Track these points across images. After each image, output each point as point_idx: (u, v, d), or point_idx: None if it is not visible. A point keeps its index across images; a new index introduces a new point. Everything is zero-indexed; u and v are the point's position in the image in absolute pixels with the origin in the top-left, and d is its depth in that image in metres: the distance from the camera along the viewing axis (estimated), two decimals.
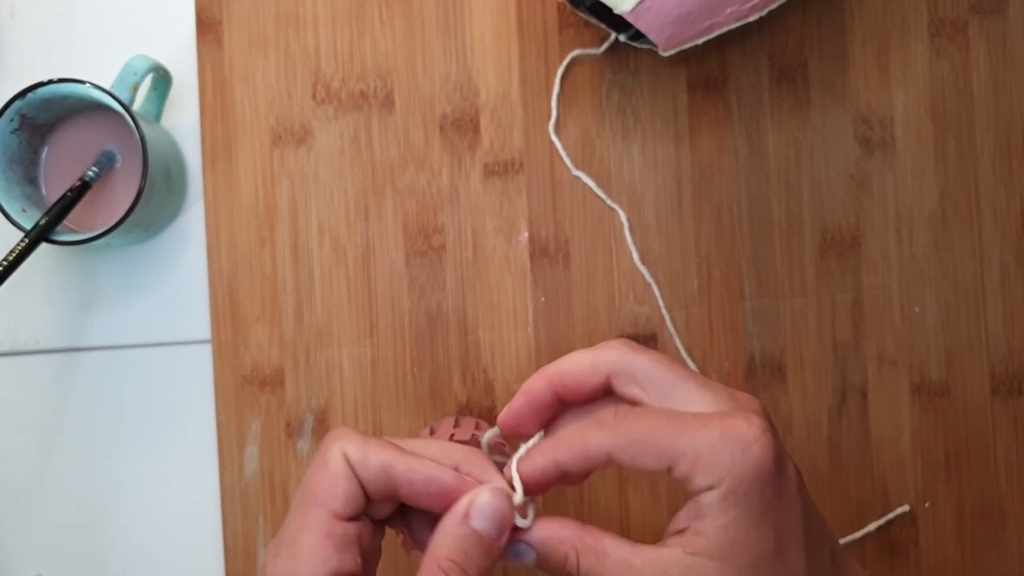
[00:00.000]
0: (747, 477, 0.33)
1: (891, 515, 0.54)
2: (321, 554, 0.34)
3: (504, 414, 0.38)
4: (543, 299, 0.56)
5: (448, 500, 0.36)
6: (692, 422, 0.34)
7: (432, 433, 0.52)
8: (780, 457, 0.34)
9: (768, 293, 0.55)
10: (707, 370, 0.55)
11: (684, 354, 0.55)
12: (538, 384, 0.37)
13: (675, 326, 0.55)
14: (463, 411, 0.55)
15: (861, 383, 0.55)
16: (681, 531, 0.34)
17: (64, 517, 0.57)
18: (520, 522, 0.35)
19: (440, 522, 0.35)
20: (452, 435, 0.50)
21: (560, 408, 0.38)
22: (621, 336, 0.55)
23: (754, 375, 0.55)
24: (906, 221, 0.55)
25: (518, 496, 0.36)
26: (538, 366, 0.54)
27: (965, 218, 0.55)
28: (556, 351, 0.55)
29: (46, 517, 0.57)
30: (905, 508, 0.54)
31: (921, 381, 0.55)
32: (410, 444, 0.37)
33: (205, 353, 0.57)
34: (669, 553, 0.34)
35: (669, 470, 0.34)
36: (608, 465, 0.35)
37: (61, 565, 0.57)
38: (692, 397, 0.35)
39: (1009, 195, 0.55)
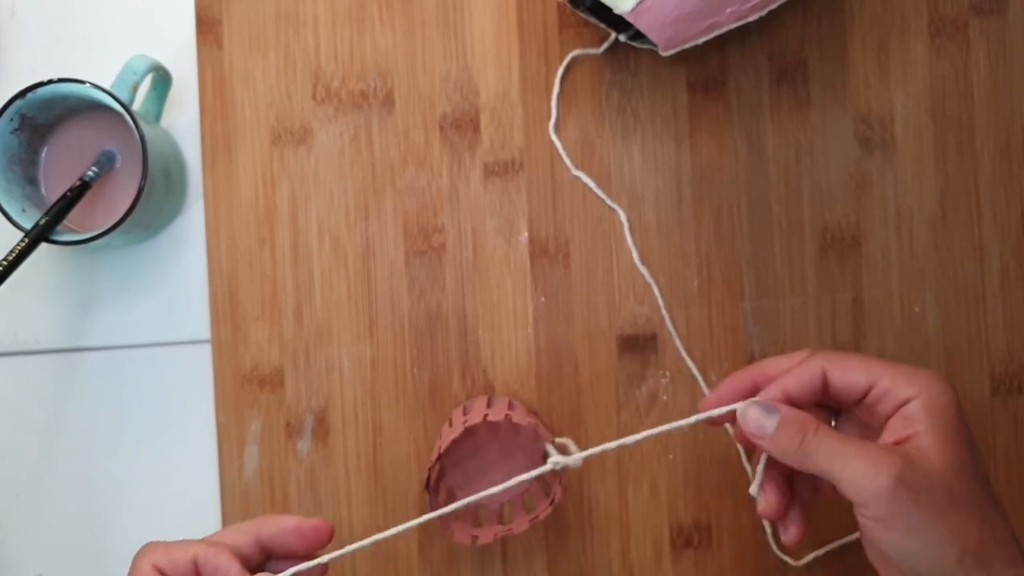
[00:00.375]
0: (942, 394, 0.40)
1: None
2: None
3: (709, 398, 0.44)
4: (543, 299, 0.56)
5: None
6: (886, 360, 0.42)
7: (465, 413, 0.52)
8: (958, 399, 0.40)
9: (768, 293, 0.55)
10: (707, 370, 0.55)
11: (684, 354, 0.55)
12: (742, 375, 0.44)
13: (675, 326, 0.55)
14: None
15: None
16: (898, 442, 0.40)
17: (64, 517, 0.57)
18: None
19: None
20: (485, 415, 0.50)
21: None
22: (621, 336, 0.55)
23: None
24: (906, 221, 0.55)
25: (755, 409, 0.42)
26: (538, 366, 0.55)
27: (965, 218, 0.55)
28: (556, 351, 0.55)
29: (46, 517, 0.57)
30: None
31: None
32: (218, 535, 0.42)
33: (205, 353, 0.57)
34: (896, 448, 0.39)
35: (871, 387, 0.41)
36: (820, 387, 0.42)
37: (61, 565, 0.57)
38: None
39: (1009, 195, 0.55)
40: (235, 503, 0.56)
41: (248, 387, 0.56)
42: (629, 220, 0.55)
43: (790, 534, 0.44)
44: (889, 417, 0.41)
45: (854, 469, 0.39)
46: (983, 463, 0.41)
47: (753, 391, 0.44)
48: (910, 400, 0.40)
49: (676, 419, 0.54)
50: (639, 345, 0.55)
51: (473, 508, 0.54)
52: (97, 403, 0.57)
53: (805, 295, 0.55)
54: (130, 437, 0.57)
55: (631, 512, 0.55)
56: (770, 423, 0.41)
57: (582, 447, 0.55)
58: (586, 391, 0.55)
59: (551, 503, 0.51)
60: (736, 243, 0.55)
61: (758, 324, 0.55)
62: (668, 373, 0.55)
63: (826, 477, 0.40)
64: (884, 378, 0.41)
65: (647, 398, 0.55)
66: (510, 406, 0.52)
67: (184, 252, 0.58)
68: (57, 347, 0.57)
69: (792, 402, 0.42)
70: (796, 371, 0.42)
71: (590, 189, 0.56)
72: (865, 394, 0.41)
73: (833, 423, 0.45)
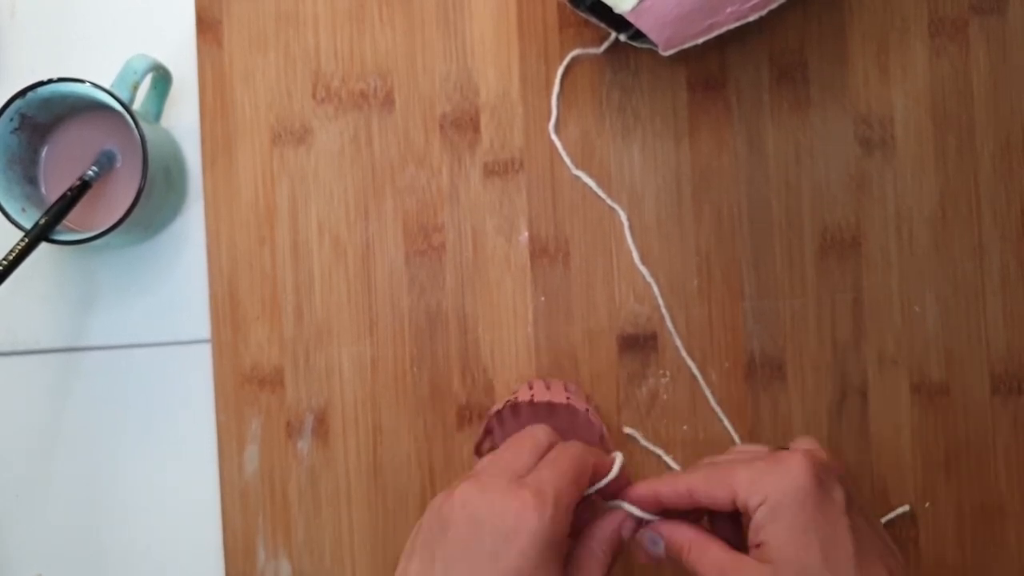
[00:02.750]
0: (787, 493, 0.41)
1: (892, 515, 0.54)
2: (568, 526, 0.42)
3: (638, 486, 0.46)
4: (543, 298, 0.56)
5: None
6: (751, 459, 0.44)
7: (531, 388, 0.53)
8: (822, 481, 0.41)
9: (768, 293, 0.55)
10: (707, 370, 0.55)
11: (684, 354, 0.55)
12: (644, 488, 0.46)
13: (675, 326, 0.55)
14: (463, 411, 0.55)
15: (861, 383, 0.55)
16: (756, 546, 0.42)
17: (64, 517, 0.57)
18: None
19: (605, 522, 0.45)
20: (531, 396, 0.52)
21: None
22: (621, 336, 0.55)
23: (754, 375, 0.55)
24: (906, 221, 0.55)
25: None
26: (538, 365, 0.55)
27: (965, 218, 0.55)
28: (556, 351, 0.55)
29: (46, 517, 0.57)
30: (905, 508, 0.54)
31: (921, 381, 0.55)
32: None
33: (205, 353, 0.57)
34: (747, 559, 0.42)
35: (734, 500, 0.42)
36: (691, 502, 0.44)
37: (61, 565, 0.57)
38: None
39: (1009, 195, 0.55)
40: (235, 503, 0.56)
41: (248, 387, 0.56)
42: (629, 219, 0.55)
43: None
44: (752, 520, 0.43)
45: None
46: (873, 556, 0.41)
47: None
48: (759, 507, 0.42)
49: (676, 418, 0.55)
50: (639, 344, 0.55)
51: None
52: (97, 403, 0.57)
53: (805, 295, 0.55)
54: (130, 437, 0.57)
55: None
56: (659, 548, 0.45)
57: None
58: (586, 390, 0.55)
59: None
60: (736, 243, 0.55)
61: (758, 324, 0.55)
62: (668, 372, 0.55)
63: None
64: (740, 490, 0.42)
65: (647, 397, 0.55)
66: (565, 387, 0.53)
67: (184, 252, 0.58)
68: (57, 347, 0.57)
69: (663, 504, 0.45)
70: (669, 481, 0.45)
71: (590, 189, 0.56)
72: (733, 505, 0.43)
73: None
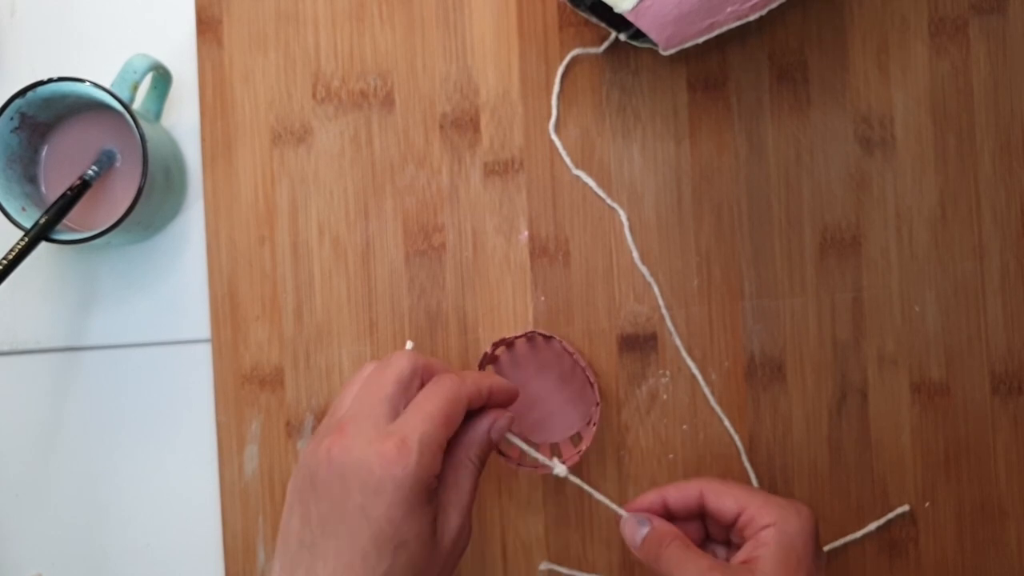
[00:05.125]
0: (795, 526, 0.45)
1: (891, 515, 0.54)
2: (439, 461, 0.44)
3: (632, 502, 0.49)
4: (543, 298, 0.56)
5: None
6: (759, 490, 0.48)
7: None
8: (816, 531, 0.45)
9: (768, 292, 0.55)
10: (707, 370, 0.55)
11: (684, 353, 0.55)
12: (651, 495, 0.49)
13: (675, 325, 0.55)
14: None
15: (861, 383, 0.55)
16: (745, 561, 0.45)
17: (64, 517, 0.57)
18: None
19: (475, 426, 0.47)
20: (530, 334, 0.54)
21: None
22: (621, 336, 0.55)
23: (754, 375, 0.55)
24: (906, 221, 0.55)
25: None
26: None
27: (965, 218, 0.55)
28: None
29: (46, 517, 0.57)
30: (905, 508, 0.54)
31: (921, 381, 0.55)
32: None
33: (205, 352, 0.57)
34: (736, 568, 0.44)
35: (740, 513, 0.46)
36: (699, 506, 0.47)
37: (61, 565, 0.57)
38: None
39: (1009, 195, 0.55)
40: (235, 503, 0.56)
41: (248, 387, 0.56)
42: (629, 219, 0.55)
43: None
44: (748, 540, 0.46)
45: None
46: None
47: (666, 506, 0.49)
48: (768, 527, 0.45)
49: (676, 418, 0.55)
50: (639, 344, 0.55)
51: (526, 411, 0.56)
52: (97, 403, 0.57)
53: (805, 295, 0.55)
54: (130, 437, 0.57)
55: None
56: (640, 535, 0.47)
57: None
58: None
59: (579, 452, 0.52)
60: (736, 242, 0.55)
61: (758, 323, 0.55)
62: (668, 372, 0.55)
63: None
64: (751, 507, 0.46)
65: (647, 397, 0.55)
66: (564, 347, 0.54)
67: (184, 252, 0.58)
68: (57, 346, 0.57)
69: (670, 511, 0.48)
70: (680, 485, 0.48)
71: (590, 189, 0.56)
72: (736, 519, 0.46)
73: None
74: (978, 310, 0.55)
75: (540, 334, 0.54)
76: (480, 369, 0.54)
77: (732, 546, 0.48)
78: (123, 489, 0.57)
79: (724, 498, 0.47)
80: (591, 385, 0.53)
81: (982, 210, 0.55)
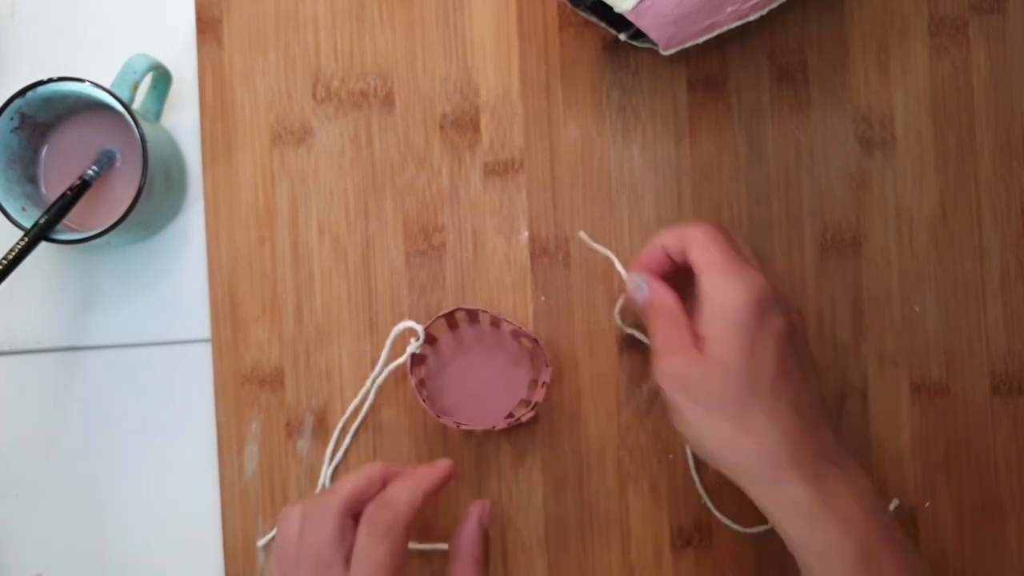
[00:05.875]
0: (732, 302, 0.44)
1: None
2: None
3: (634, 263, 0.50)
4: (543, 298, 0.56)
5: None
6: (719, 254, 0.46)
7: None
8: (765, 306, 0.45)
9: None
10: None
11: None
12: (653, 244, 0.49)
13: None
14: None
15: (861, 383, 0.55)
16: (699, 337, 0.46)
17: (64, 517, 0.57)
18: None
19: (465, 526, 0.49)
20: (468, 311, 0.54)
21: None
22: (621, 336, 0.55)
23: None
24: (906, 221, 0.55)
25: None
26: None
27: (965, 218, 0.55)
28: (556, 350, 0.55)
29: (46, 517, 0.57)
30: (895, 502, 0.54)
31: (921, 381, 0.55)
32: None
33: (205, 352, 0.57)
34: (689, 347, 0.45)
35: (700, 276, 0.46)
36: (665, 259, 0.49)
37: (61, 565, 0.57)
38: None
39: (1009, 195, 0.55)
40: (235, 503, 0.56)
41: (248, 387, 0.56)
42: (629, 219, 0.55)
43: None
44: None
45: (656, 362, 0.46)
46: (798, 383, 0.45)
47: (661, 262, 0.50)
48: (710, 300, 0.45)
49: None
50: (639, 344, 0.55)
51: (467, 399, 0.56)
52: (97, 403, 0.57)
53: (805, 295, 0.55)
54: (130, 437, 0.57)
55: (631, 512, 0.55)
56: (640, 297, 0.49)
57: (581, 446, 0.55)
58: (586, 390, 0.55)
59: (533, 407, 0.53)
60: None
61: None
62: None
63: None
64: (704, 273, 0.46)
65: (647, 397, 0.55)
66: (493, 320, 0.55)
67: (184, 252, 0.58)
68: (57, 346, 0.57)
69: (645, 266, 0.49)
70: (672, 232, 0.49)
71: (590, 188, 0.56)
72: (685, 257, 0.47)
73: None
74: (978, 310, 0.55)
75: (465, 309, 0.54)
76: (411, 369, 0.53)
77: None
78: (123, 489, 0.57)
79: (694, 255, 0.47)
80: (536, 347, 0.53)
81: (982, 210, 0.55)
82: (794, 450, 0.44)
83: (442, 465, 0.48)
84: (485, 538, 0.48)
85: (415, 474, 0.47)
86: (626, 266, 0.51)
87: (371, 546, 0.44)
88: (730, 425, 0.44)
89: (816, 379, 0.48)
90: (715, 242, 0.47)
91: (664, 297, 0.48)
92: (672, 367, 0.46)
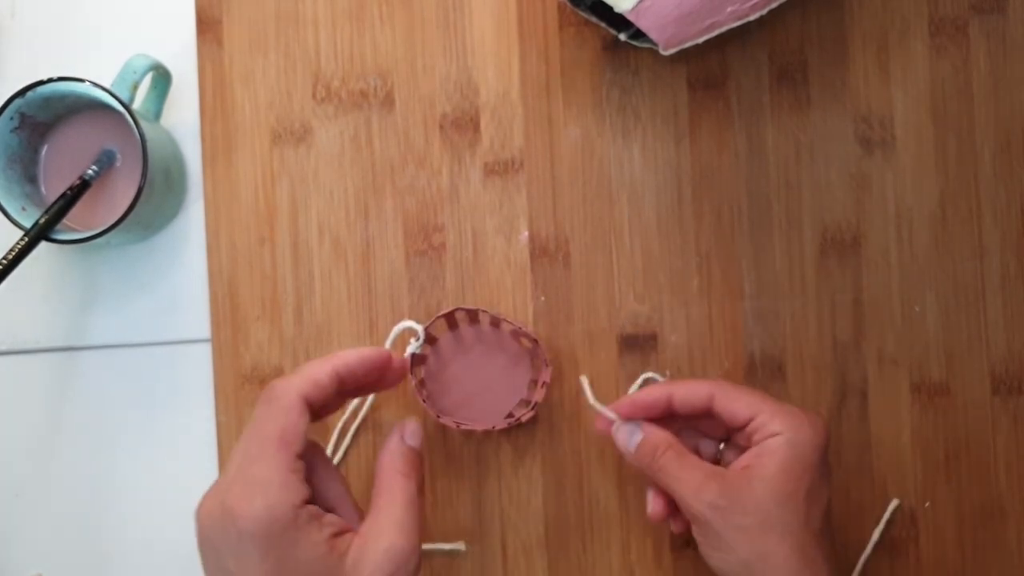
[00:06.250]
0: (805, 437, 0.45)
1: (886, 514, 0.54)
2: (294, 488, 0.41)
3: (621, 402, 0.50)
4: (543, 298, 0.56)
5: (380, 371, 0.47)
6: (771, 398, 0.47)
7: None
8: (826, 445, 0.46)
9: (768, 293, 0.55)
10: (707, 370, 0.55)
11: (684, 354, 0.55)
12: (657, 390, 0.49)
13: (675, 326, 0.55)
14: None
15: (861, 383, 0.55)
16: (746, 467, 0.45)
17: (64, 517, 0.57)
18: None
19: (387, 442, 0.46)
20: (466, 310, 0.54)
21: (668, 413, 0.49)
22: (621, 336, 0.55)
23: (754, 375, 0.55)
24: (906, 221, 0.55)
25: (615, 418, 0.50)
26: None
27: (965, 218, 0.55)
28: (556, 351, 0.55)
29: (46, 517, 0.57)
30: (896, 503, 0.54)
31: (921, 381, 0.55)
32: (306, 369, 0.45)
33: (205, 352, 0.57)
34: (733, 473, 0.45)
35: (751, 419, 0.46)
36: (706, 408, 0.47)
37: (61, 565, 0.57)
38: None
39: (1009, 195, 0.55)
40: None
41: (248, 387, 0.56)
42: (629, 219, 0.55)
43: (677, 526, 0.51)
44: (755, 445, 0.46)
45: (682, 490, 0.46)
46: (822, 509, 0.45)
47: (664, 407, 0.49)
48: (776, 435, 0.45)
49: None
50: (639, 344, 0.55)
51: (467, 399, 0.55)
52: (97, 402, 0.57)
53: (805, 295, 0.55)
54: (130, 437, 0.57)
55: (631, 512, 0.55)
56: (633, 442, 0.48)
57: (581, 446, 0.55)
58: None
59: (533, 407, 0.52)
60: (736, 242, 0.55)
61: (758, 324, 0.55)
62: (668, 372, 0.55)
63: (670, 494, 0.47)
64: (764, 413, 0.46)
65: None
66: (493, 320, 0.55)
67: (184, 252, 0.58)
68: (57, 346, 0.57)
69: (672, 409, 0.48)
70: (690, 384, 0.48)
71: (590, 188, 0.56)
72: (747, 423, 0.46)
73: (722, 446, 0.50)
74: (978, 310, 0.55)
75: (465, 309, 0.53)
76: (411, 369, 0.52)
77: (730, 444, 0.50)
78: (123, 489, 0.57)
79: (736, 403, 0.46)
80: (536, 347, 0.53)
81: (982, 210, 0.55)
82: None
83: (370, 350, 0.46)
84: (414, 455, 0.46)
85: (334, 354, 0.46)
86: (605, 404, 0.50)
87: (257, 411, 0.42)
88: (787, 553, 0.44)
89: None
90: (746, 388, 0.48)
91: (662, 433, 0.48)
92: (709, 497, 0.45)
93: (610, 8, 0.49)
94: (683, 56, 0.55)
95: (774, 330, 0.55)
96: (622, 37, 0.53)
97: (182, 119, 0.58)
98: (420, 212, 0.56)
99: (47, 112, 0.54)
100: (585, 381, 0.52)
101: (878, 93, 0.56)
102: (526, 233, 0.56)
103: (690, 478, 0.46)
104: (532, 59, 0.56)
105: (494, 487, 0.55)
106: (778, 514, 0.44)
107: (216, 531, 0.41)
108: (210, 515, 0.41)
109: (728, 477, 0.45)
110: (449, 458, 0.55)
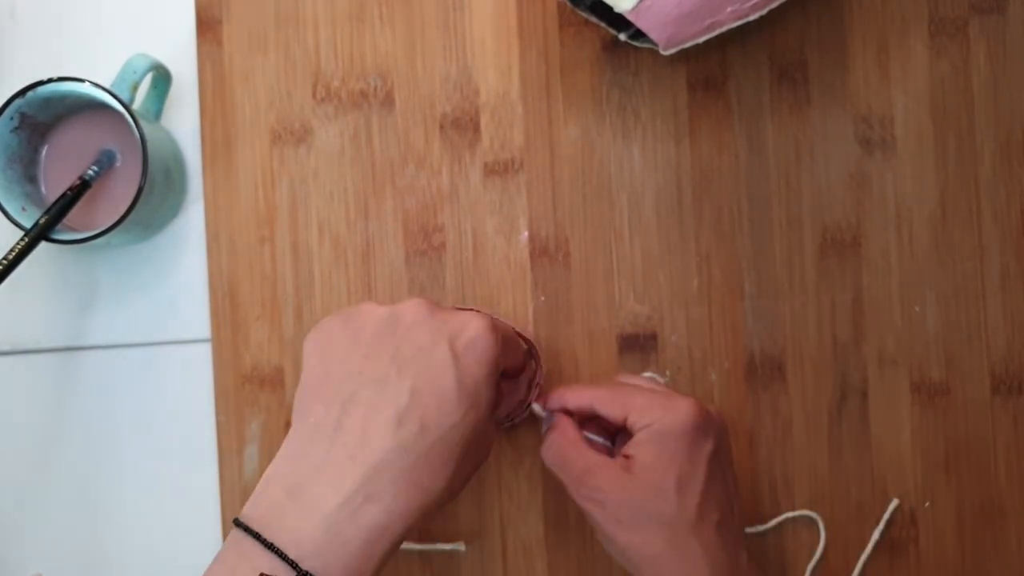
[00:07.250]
0: (668, 426, 0.46)
1: (886, 514, 0.54)
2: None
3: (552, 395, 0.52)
4: (543, 298, 0.56)
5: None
6: (651, 391, 0.49)
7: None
8: (700, 428, 0.46)
9: (768, 293, 0.55)
10: (707, 370, 0.55)
11: (684, 354, 0.55)
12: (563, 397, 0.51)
13: (675, 326, 0.55)
14: None
15: (861, 383, 0.55)
16: (626, 456, 0.47)
17: (64, 517, 0.57)
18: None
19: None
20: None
21: None
22: (621, 336, 0.55)
23: (754, 375, 0.55)
24: (906, 221, 0.55)
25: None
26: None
27: (965, 218, 0.55)
28: (556, 351, 0.55)
29: (46, 517, 0.57)
30: (896, 503, 0.54)
31: (921, 381, 0.55)
32: None
33: (205, 352, 0.57)
34: (612, 463, 0.47)
35: (626, 417, 0.48)
36: (591, 411, 0.49)
37: (61, 565, 0.57)
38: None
39: (1009, 195, 0.55)
40: (235, 503, 0.56)
41: (248, 387, 0.56)
42: (629, 219, 0.56)
43: None
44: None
45: (567, 482, 0.48)
46: (698, 497, 0.46)
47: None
48: (645, 427, 0.47)
49: None
50: (639, 344, 0.55)
51: None
52: (97, 402, 0.57)
53: (805, 295, 0.55)
54: (130, 437, 0.57)
55: None
56: (543, 432, 0.50)
57: None
58: None
59: (527, 408, 0.52)
60: (736, 242, 0.55)
61: (758, 324, 0.55)
62: (668, 372, 0.55)
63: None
64: (634, 411, 0.47)
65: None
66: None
67: (184, 252, 0.58)
68: (57, 346, 0.57)
69: (567, 407, 0.50)
70: (576, 392, 0.50)
71: (590, 188, 0.56)
72: (624, 422, 0.48)
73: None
74: (978, 310, 0.55)
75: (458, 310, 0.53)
76: None
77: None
78: (123, 489, 0.57)
79: (610, 406, 0.48)
80: (531, 348, 0.53)
81: (982, 210, 0.55)
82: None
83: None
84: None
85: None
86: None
87: (475, 340, 0.43)
88: (661, 545, 0.45)
89: (738, 495, 0.49)
90: (623, 387, 0.50)
91: (569, 425, 0.50)
92: (584, 491, 0.47)
93: (610, 8, 0.49)
94: (683, 56, 0.55)
95: (774, 330, 0.55)
96: (622, 37, 0.53)
97: (182, 119, 0.58)
98: (420, 212, 0.56)
99: (47, 112, 0.54)
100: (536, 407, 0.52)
101: (878, 93, 0.56)
102: (526, 233, 0.56)
103: (573, 471, 0.47)
104: (532, 59, 0.56)
105: (494, 487, 0.55)
106: (652, 506, 0.45)
107: (453, 322, 0.43)
108: (449, 314, 0.44)
109: (607, 470, 0.47)
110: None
